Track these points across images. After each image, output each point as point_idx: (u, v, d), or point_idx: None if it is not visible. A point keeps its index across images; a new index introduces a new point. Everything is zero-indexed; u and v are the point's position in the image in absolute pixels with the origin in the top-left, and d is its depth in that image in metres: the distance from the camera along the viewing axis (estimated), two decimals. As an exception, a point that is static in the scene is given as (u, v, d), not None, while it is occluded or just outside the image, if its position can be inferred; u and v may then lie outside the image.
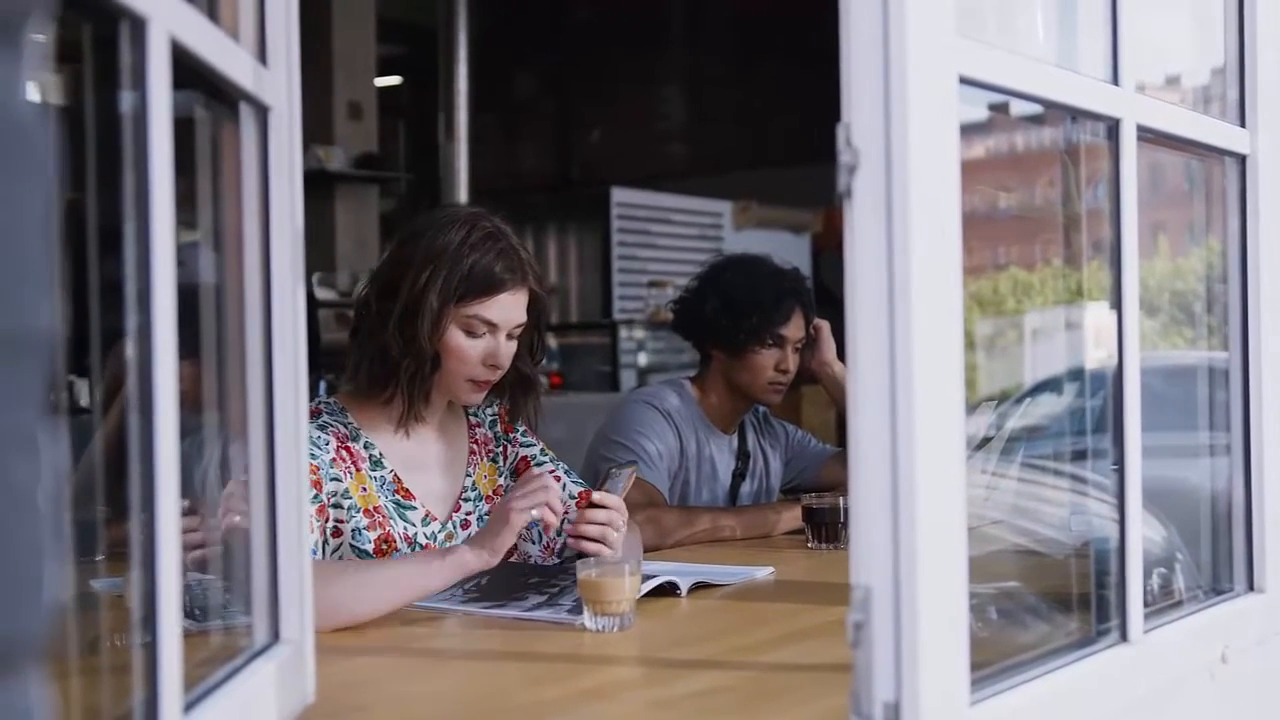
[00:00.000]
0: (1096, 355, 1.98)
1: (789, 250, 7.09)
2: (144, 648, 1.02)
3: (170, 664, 1.02)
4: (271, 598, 1.37)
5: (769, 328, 2.98)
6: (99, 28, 1.03)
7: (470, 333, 2.20)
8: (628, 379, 7.20)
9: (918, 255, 1.17)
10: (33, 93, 0.60)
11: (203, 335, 1.35)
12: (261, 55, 1.36)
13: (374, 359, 2.20)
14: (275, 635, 1.37)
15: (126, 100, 1.02)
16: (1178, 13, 2.06)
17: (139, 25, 1.01)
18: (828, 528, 2.64)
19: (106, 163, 1.04)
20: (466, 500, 2.32)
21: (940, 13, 1.21)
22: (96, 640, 1.22)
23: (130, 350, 1.02)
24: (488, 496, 2.35)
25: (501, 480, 2.38)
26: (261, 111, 1.35)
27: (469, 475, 2.34)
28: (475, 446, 2.37)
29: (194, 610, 1.35)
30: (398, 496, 2.21)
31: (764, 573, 2.34)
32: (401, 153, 9.96)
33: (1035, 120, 1.74)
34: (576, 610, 1.89)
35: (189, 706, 1.09)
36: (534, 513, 1.99)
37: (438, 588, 1.98)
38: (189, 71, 1.12)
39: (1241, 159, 1.81)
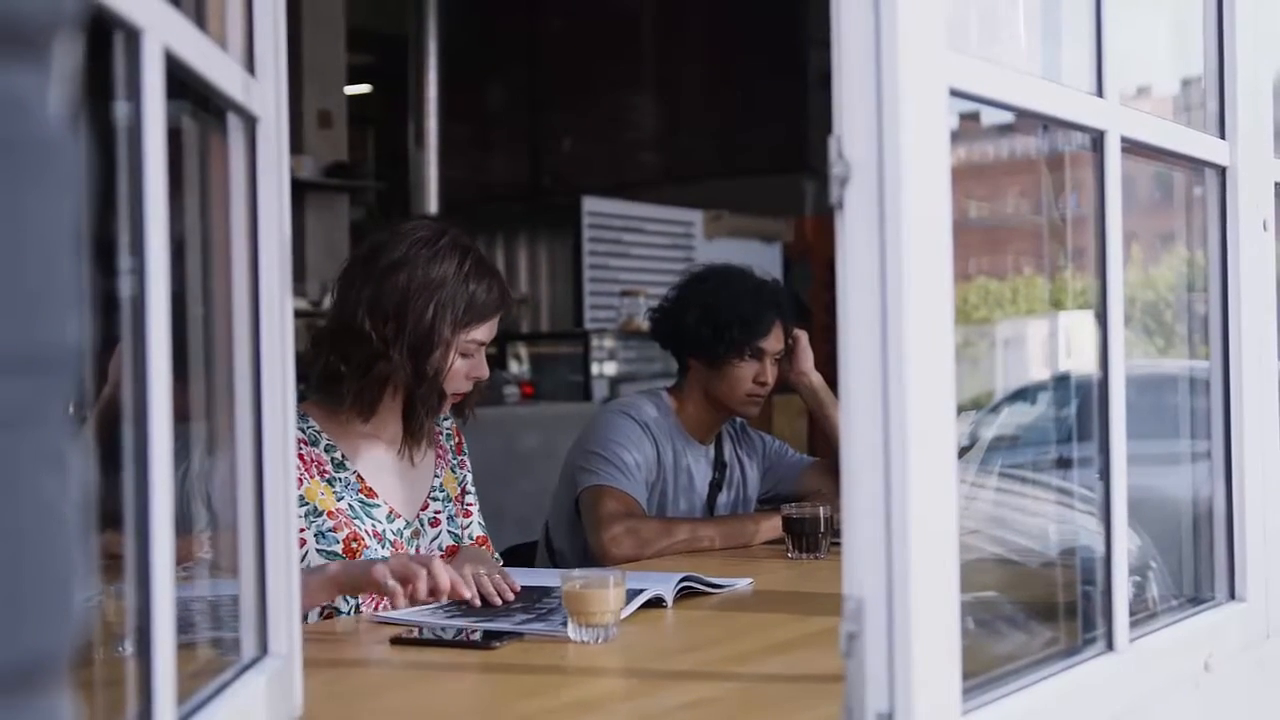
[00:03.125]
0: (1070, 364, 1.99)
1: (760, 259, 7.08)
2: (137, 660, 1.01)
3: (164, 678, 1.01)
4: (259, 611, 1.36)
5: (749, 340, 2.98)
6: (90, 38, 1.03)
7: (464, 355, 2.29)
8: (599, 389, 7.19)
9: (910, 266, 1.17)
10: (61, 107, 0.59)
11: (189, 346, 1.34)
12: (250, 66, 1.35)
13: (376, 385, 2.25)
14: (264, 648, 1.36)
15: (120, 110, 1.02)
16: (1155, 23, 2.08)
17: (133, 36, 1.00)
18: (808, 538, 2.65)
19: (98, 172, 1.03)
20: (435, 499, 2.40)
21: (931, 26, 1.21)
22: (88, 651, 1.21)
23: (123, 360, 1.01)
24: (455, 498, 2.44)
25: (459, 489, 2.47)
26: (250, 122, 1.35)
27: (437, 476, 2.42)
28: (441, 450, 2.45)
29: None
30: (362, 495, 2.27)
31: (744, 583, 2.35)
32: (371, 161, 9.92)
33: (1007, 130, 1.75)
34: (556, 625, 1.89)
35: (181, 721, 1.08)
36: (391, 582, 1.92)
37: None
38: (177, 81, 1.12)
39: (1221, 170, 1.82)
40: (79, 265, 0.60)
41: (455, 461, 2.48)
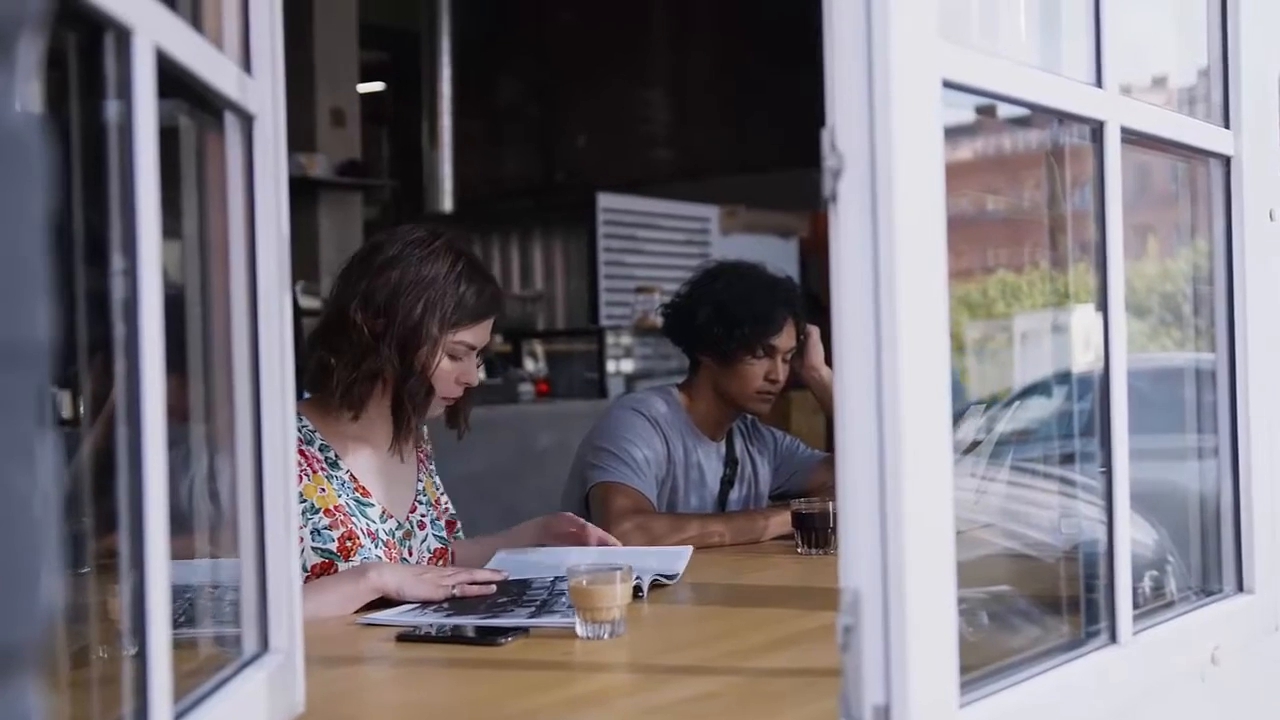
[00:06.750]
0: (1085, 358, 1.99)
1: (776, 255, 7.09)
2: (134, 658, 1.02)
3: (160, 674, 1.02)
4: (260, 607, 1.37)
5: (761, 338, 2.98)
6: (83, 36, 1.03)
7: (453, 357, 2.32)
8: (615, 386, 7.19)
9: (903, 259, 1.17)
10: (27, 103, 0.60)
11: (188, 346, 1.35)
12: (246, 64, 1.35)
13: (365, 380, 2.28)
14: (264, 644, 1.37)
15: (111, 109, 1.02)
16: (1160, 12, 2.07)
17: (124, 35, 1.00)
18: (817, 533, 2.64)
19: (90, 172, 1.04)
20: (421, 503, 2.45)
21: (923, 16, 1.21)
22: (84, 651, 1.22)
23: (117, 361, 1.02)
24: (434, 503, 2.48)
25: (438, 493, 2.51)
26: (246, 120, 1.35)
27: (420, 481, 2.47)
28: (422, 457, 2.50)
29: (178, 618, 1.35)
30: (357, 494, 2.31)
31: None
32: (385, 159, 9.94)
33: (1022, 123, 1.74)
34: (570, 614, 1.89)
35: (179, 716, 1.09)
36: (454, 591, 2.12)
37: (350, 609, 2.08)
38: (172, 80, 1.12)
39: (1226, 160, 1.81)
40: (46, 259, 0.61)
41: (431, 469, 2.52)
